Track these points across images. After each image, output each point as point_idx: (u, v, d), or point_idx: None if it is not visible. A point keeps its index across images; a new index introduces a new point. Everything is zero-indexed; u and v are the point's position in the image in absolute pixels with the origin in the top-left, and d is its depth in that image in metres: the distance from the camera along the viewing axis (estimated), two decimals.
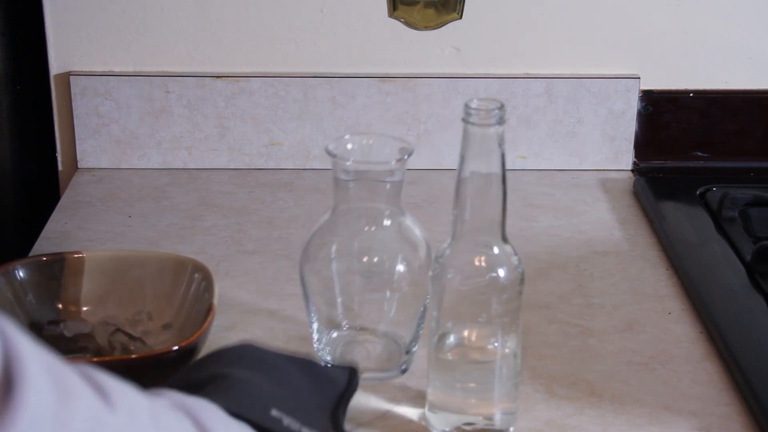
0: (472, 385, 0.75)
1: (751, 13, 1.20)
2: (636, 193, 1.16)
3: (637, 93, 1.20)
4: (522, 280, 0.74)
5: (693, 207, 1.10)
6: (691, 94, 1.21)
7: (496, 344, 0.75)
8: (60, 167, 1.22)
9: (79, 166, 1.20)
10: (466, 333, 0.76)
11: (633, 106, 1.20)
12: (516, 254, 0.74)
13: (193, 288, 0.86)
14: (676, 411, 0.80)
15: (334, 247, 0.82)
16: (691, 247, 1.02)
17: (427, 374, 0.77)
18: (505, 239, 0.74)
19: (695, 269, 0.98)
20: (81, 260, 0.88)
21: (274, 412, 0.65)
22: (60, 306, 0.87)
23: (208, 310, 0.81)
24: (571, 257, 1.03)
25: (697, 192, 1.13)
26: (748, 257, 0.98)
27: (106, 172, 1.20)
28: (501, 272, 0.73)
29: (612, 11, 1.19)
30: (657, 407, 0.80)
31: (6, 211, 1.16)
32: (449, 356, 0.76)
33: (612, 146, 1.22)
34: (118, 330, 0.86)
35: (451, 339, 0.76)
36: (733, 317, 0.90)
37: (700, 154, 1.23)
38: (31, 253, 1.00)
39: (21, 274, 0.86)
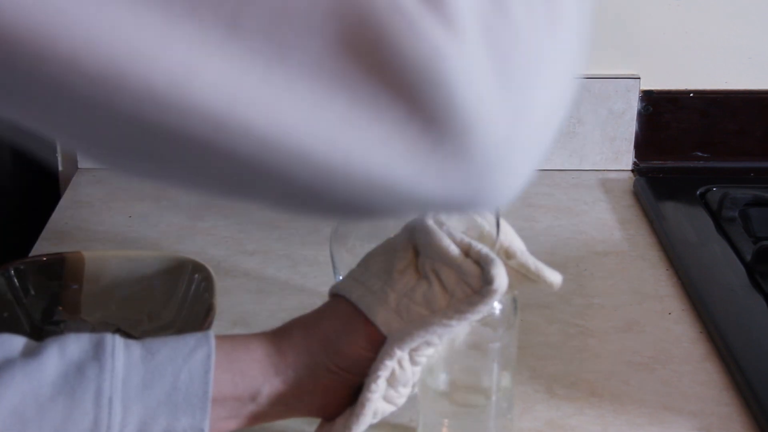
0: (463, 425, 0.73)
1: (751, 13, 1.19)
2: (636, 193, 1.16)
3: (637, 93, 1.20)
4: (515, 310, 0.71)
5: (693, 207, 1.10)
6: (691, 94, 1.21)
7: (488, 383, 0.72)
8: (60, 167, 1.22)
9: (79, 166, 1.20)
10: (457, 370, 0.72)
11: (633, 106, 1.20)
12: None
13: (193, 288, 0.86)
14: (676, 411, 0.80)
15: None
16: (691, 247, 1.02)
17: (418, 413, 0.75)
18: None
19: (695, 269, 0.98)
20: (81, 260, 0.88)
21: None
22: (60, 306, 0.87)
23: (208, 310, 0.81)
24: (571, 257, 1.03)
25: (697, 192, 1.13)
26: (748, 257, 0.98)
27: (106, 173, 1.19)
28: (495, 306, 0.69)
29: (612, 11, 1.19)
30: (657, 407, 0.80)
31: (6, 211, 1.16)
32: (440, 398, 0.72)
33: (612, 146, 1.22)
34: (118, 330, 0.86)
35: (441, 378, 0.72)
36: (733, 317, 0.90)
37: (700, 154, 1.23)
38: (31, 253, 1.00)
39: (21, 274, 0.86)
